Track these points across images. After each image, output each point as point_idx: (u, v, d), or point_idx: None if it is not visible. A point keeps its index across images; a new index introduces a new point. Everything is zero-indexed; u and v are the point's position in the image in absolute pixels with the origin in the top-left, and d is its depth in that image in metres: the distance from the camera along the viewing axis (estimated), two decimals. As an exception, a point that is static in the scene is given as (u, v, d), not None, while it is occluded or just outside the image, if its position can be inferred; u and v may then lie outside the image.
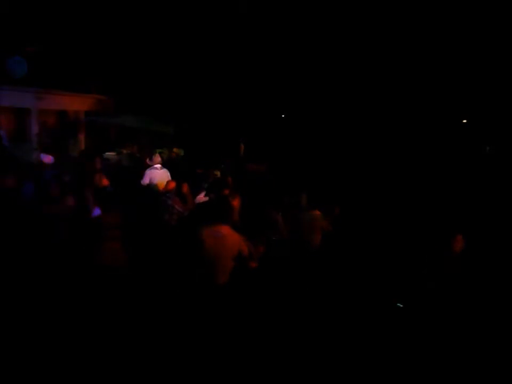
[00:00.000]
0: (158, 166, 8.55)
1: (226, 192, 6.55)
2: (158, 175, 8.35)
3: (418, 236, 6.17)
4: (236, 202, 6.29)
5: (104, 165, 8.94)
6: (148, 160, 9.46)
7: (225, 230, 4.83)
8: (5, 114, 12.89)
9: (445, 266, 5.12)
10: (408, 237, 6.52)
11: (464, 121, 17.06)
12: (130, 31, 13.22)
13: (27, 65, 11.63)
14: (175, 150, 8.95)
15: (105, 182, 7.27)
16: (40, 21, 11.55)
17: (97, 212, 5.96)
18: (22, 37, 11.23)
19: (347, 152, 12.80)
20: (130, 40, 13.27)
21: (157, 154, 8.96)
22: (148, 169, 8.59)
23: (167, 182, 7.63)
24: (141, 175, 8.67)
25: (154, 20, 13.26)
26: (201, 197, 7.22)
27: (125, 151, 12.30)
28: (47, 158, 8.27)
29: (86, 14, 12.47)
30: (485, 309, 5.04)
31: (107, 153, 12.46)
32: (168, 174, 8.45)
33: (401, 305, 5.19)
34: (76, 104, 14.40)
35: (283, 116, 16.93)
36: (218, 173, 7.69)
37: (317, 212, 6.65)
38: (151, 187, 8.27)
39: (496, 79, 14.19)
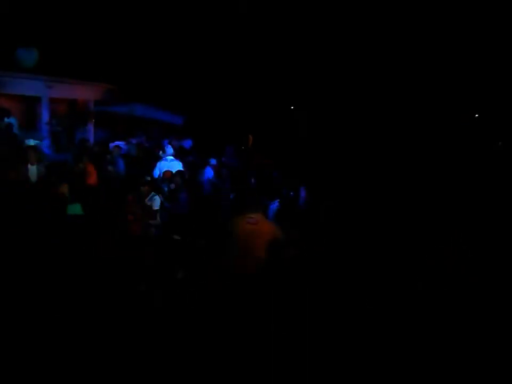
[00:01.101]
0: (169, 157, 8.63)
1: None
2: (166, 166, 8.42)
3: (420, 232, 6.15)
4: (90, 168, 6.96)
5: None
6: (160, 152, 9.50)
7: (259, 217, 4.95)
8: (16, 102, 12.97)
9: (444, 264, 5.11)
10: (409, 233, 6.50)
11: (476, 115, 16.87)
12: (141, 21, 13.20)
13: (38, 54, 11.66)
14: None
15: (91, 170, 7.34)
16: (51, 9, 11.56)
17: None
18: (33, 26, 11.24)
19: (355, 146, 12.72)
20: (140, 30, 13.26)
21: (169, 146, 9.04)
22: (159, 162, 8.72)
23: (164, 171, 7.67)
24: (150, 165, 8.77)
25: (165, 10, 13.23)
26: None
27: (134, 141, 12.34)
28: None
29: (97, 3, 12.47)
30: (484, 309, 5.04)
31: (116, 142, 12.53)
32: (179, 165, 8.49)
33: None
34: (86, 93, 14.42)
35: (292, 107, 16.86)
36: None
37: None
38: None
39: (509, 73, 14.00)
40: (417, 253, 5.71)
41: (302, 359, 4.43)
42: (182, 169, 8.15)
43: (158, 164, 8.61)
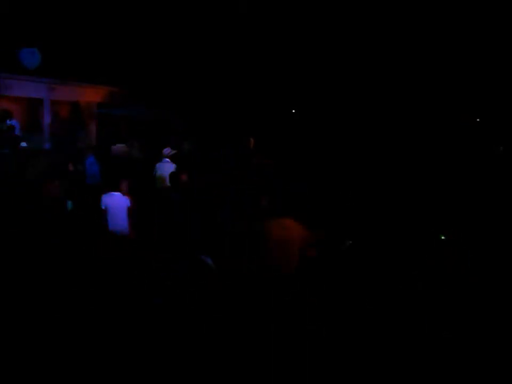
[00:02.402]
0: (166, 159, 8.78)
1: None
2: (159, 167, 8.80)
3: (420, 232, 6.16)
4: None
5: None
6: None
7: (290, 222, 5.11)
8: (18, 104, 13.00)
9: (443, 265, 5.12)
10: (410, 233, 6.51)
11: (478, 120, 16.83)
12: (143, 23, 13.24)
13: (40, 56, 11.71)
14: None
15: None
16: (54, 11, 11.61)
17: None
18: (36, 27, 11.29)
19: (354, 150, 12.70)
20: (143, 32, 13.30)
21: (167, 148, 9.14)
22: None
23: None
24: (151, 167, 8.93)
25: (167, 12, 13.27)
26: None
27: (135, 143, 12.37)
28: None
29: (100, 5, 12.51)
30: (484, 309, 5.02)
31: (118, 144, 12.56)
32: (171, 166, 8.60)
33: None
34: (88, 95, 14.46)
35: (293, 110, 16.86)
36: None
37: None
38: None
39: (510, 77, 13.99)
40: (417, 253, 5.71)
41: (302, 358, 4.44)
42: (174, 170, 8.25)
43: (157, 165, 8.87)
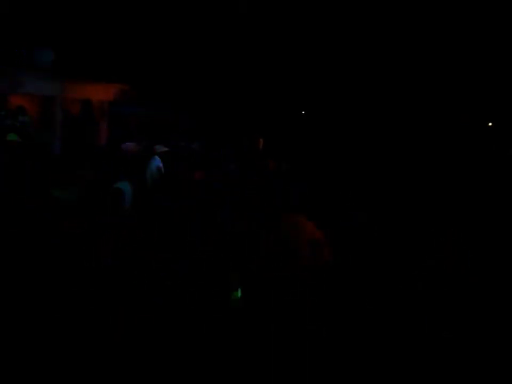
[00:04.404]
0: (156, 156, 8.98)
1: None
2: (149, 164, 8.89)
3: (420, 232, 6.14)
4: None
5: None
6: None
7: (302, 218, 5.02)
8: (31, 102, 13.18)
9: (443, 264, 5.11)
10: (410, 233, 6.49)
11: (490, 124, 16.68)
12: (156, 22, 13.36)
13: (53, 54, 11.88)
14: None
15: None
16: (67, 9, 11.76)
17: None
18: (48, 25, 11.45)
19: (363, 152, 12.68)
20: (155, 31, 13.41)
21: (159, 146, 9.34)
22: None
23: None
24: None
25: (179, 12, 13.38)
26: None
27: (145, 141, 12.48)
28: None
29: (112, 4, 12.65)
30: (484, 309, 5.01)
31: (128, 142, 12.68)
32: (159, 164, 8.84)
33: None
34: (100, 93, 14.61)
35: (303, 112, 16.86)
36: None
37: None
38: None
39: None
40: (417, 253, 5.70)
41: (302, 358, 4.46)
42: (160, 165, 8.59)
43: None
